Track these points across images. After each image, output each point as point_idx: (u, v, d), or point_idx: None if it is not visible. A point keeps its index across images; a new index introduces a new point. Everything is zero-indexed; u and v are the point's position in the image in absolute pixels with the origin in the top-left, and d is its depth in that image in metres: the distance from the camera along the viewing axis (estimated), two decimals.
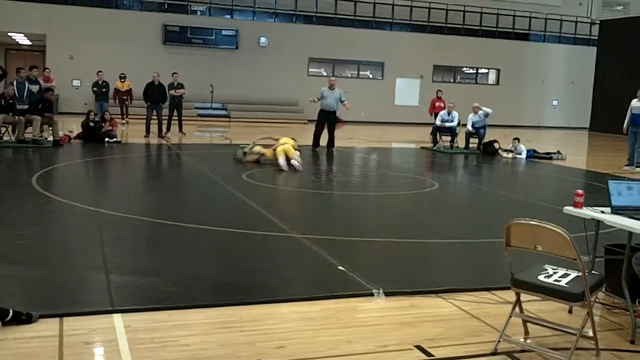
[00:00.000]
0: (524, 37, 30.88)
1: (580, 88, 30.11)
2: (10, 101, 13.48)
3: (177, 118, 17.71)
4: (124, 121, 19.90)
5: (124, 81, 20.27)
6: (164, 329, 3.94)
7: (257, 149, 12.49)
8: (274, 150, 12.02)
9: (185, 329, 3.96)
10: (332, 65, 28.51)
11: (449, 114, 16.77)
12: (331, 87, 15.45)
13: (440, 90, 19.13)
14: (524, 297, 3.92)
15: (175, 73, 17.87)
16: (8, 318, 3.79)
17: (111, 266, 5.12)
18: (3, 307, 3.81)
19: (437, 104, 18.35)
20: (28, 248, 5.67)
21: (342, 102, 15.48)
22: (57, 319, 3.96)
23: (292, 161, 11.63)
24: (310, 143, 15.27)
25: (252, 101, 25.69)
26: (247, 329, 4.02)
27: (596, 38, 29.66)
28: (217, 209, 8.11)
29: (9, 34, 25.37)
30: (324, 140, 15.32)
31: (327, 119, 15.39)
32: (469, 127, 16.55)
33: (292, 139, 12.47)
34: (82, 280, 4.89)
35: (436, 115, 17.30)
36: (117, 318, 4.04)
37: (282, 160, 11.59)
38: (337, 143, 15.65)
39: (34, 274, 4.96)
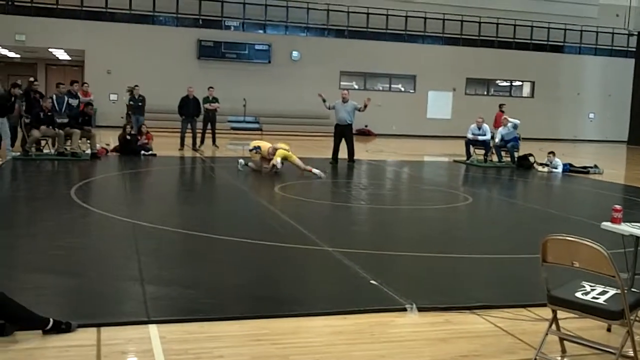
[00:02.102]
0: (559, 49, 30.55)
1: (618, 100, 29.62)
2: (49, 114, 13.79)
3: (210, 131, 17.94)
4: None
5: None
6: (197, 340, 3.98)
7: (253, 143, 12.86)
8: (273, 149, 12.47)
9: (219, 341, 3.98)
10: (363, 79, 28.59)
11: (479, 128, 16.61)
12: (344, 100, 15.32)
13: (503, 104, 18.71)
14: (560, 314, 3.85)
15: (211, 87, 18.08)
16: (48, 327, 3.88)
17: (147, 277, 5.19)
18: (43, 317, 3.90)
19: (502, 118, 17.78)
20: (67, 258, 5.78)
21: (359, 110, 15.23)
22: (94, 329, 4.02)
23: (275, 161, 12.18)
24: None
25: (284, 114, 25.88)
26: (279, 342, 4.03)
27: (634, 50, 29.20)
28: (250, 222, 8.17)
29: (50, 49, 26.01)
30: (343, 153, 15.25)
31: (342, 133, 15.29)
32: (497, 139, 16.42)
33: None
34: (119, 290, 4.97)
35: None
36: (153, 329, 4.08)
37: (277, 161, 12.13)
38: (368, 156, 15.62)
39: (72, 284, 5.05)
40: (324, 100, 15.27)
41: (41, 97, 14.83)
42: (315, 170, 12.32)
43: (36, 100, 14.53)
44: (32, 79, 14.93)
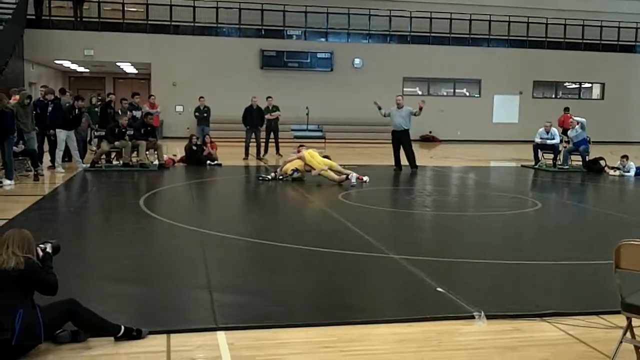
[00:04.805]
0: (630, 49, 29.45)
1: None
2: (124, 130, 14.18)
3: (273, 140, 18.14)
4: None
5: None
6: (265, 347, 4.02)
7: (288, 166, 12.80)
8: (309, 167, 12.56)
9: (286, 348, 4.02)
10: (427, 84, 28.31)
11: (547, 132, 16.20)
12: (398, 106, 15.14)
13: (567, 107, 18.08)
14: (635, 322, 3.72)
15: (270, 97, 18.31)
16: (120, 334, 4.00)
17: (214, 284, 5.29)
18: (115, 324, 4.03)
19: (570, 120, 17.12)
20: (137, 267, 5.96)
21: (414, 114, 15.04)
22: (164, 336, 4.13)
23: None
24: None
25: (347, 122, 25.89)
26: (346, 349, 4.03)
27: None
28: (315, 230, 8.21)
29: (117, 63, 26.91)
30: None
31: (399, 139, 15.16)
32: (570, 144, 15.97)
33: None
34: (188, 298, 5.07)
35: None
36: (221, 335, 4.15)
37: (353, 177, 12.16)
38: (433, 162, 15.42)
39: (142, 291, 5.19)
40: (380, 108, 15.26)
41: (115, 113, 15.33)
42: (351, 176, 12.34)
43: (111, 116, 15.04)
44: (107, 93, 15.26)
